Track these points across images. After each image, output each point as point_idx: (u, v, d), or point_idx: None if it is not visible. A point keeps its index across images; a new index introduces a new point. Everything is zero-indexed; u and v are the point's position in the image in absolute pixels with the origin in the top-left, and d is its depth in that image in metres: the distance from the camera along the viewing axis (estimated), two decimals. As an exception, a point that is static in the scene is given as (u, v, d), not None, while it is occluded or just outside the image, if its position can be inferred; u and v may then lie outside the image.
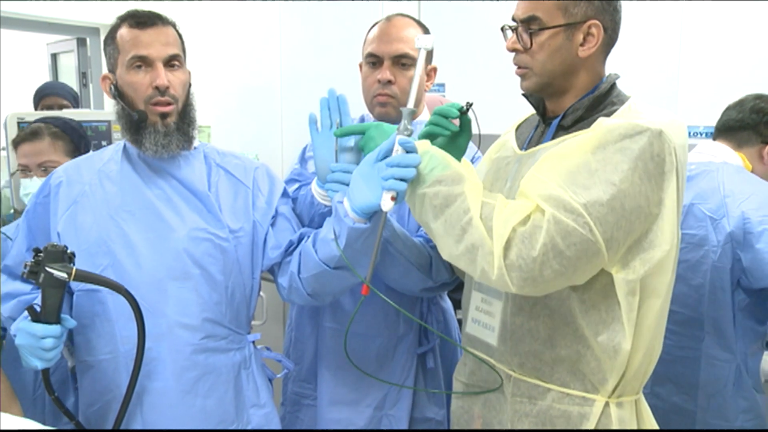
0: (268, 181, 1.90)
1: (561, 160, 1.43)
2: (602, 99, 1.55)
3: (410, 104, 1.63)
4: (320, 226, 1.86)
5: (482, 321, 1.65)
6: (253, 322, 3.11)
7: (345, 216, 1.60)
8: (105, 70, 1.80)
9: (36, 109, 3.64)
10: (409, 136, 1.59)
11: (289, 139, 4.02)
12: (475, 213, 1.41)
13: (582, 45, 1.51)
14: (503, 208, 1.41)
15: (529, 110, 1.76)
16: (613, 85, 1.57)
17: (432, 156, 1.50)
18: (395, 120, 1.99)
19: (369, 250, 1.61)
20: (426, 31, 2.06)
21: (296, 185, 2.03)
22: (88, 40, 4.83)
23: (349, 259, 1.63)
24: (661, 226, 1.42)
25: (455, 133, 1.68)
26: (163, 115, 1.73)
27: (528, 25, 1.52)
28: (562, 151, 1.44)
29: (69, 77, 5.22)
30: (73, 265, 1.54)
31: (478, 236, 1.39)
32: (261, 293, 2.96)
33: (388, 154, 1.55)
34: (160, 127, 1.73)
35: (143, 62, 1.71)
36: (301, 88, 4.00)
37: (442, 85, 3.55)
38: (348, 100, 1.81)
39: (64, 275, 1.51)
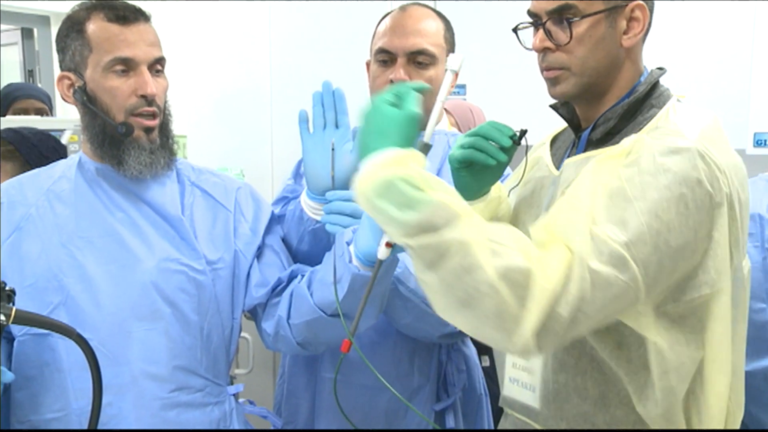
0: (253, 204, 1.90)
1: (588, 191, 1.37)
2: (639, 104, 1.53)
3: (427, 136, 1.50)
4: (311, 246, 1.88)
5: (521, 380, 1.63)
6: (236, 371, 3.09)
7: (349, 261, 1.62)
8: (57, 68, 1.78)
9: (4, 114, 3.63)
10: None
11: (281, 153, 4.02)
12: (489, 270, 1.24)
13: (626, 32, 1.50)
14: (536, 267, 1.28)
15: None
16: (654, 85, 1.55)
17: (400, 181, 1.28)
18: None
19: (375, 299, 1.62)
20: (447, 25, 2.05)
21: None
22: (35, 31, 4.81)
23: (351, 306, 1.62)
24: (705, 265, 1.38)
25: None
26: (148, 129, 1.74)
27: (560, 15, 1.49)
28: (587, 180, 1.39)
29: (12, 75, 5.18)
30: (13, 304, 1.50)
31: (495, 303, 1.25)
32: (246, 335, 2.95)
33: None
34: (144, 143, 1.74)
35: (127, 66, 1.70)
36: (296, 92, 3.96)
37: (463, 86, 3.57)
38: (348, 100, 1.80)
39: (1, 317, 1.48)
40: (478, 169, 1.64)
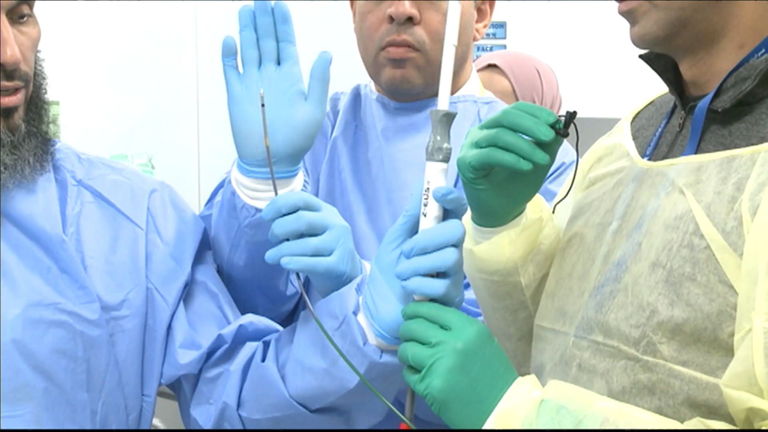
0: (176, 216, 1.95)
1: None
2: None
3: (441, 101, 1.58)
4: (251, 255, 1.93)
5: None
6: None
7: (365, 343, 1.66)
8: None
9: None
10: (446, 160, 1.57)
11: (211, 130, 4.02)
12: None
13: None
14: None
15: (656, 86, 1.77)
16: None
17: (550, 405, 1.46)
18: (420, 93, 1.98)
19: (393, 388, 1.74)
20: None
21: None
22: None
23: (353, 401, 1.73)
24: None
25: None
26: (8, 111, 1.73)
27: None
28: None
29: None
30: None
31: None
32: (158, 423, 2.94)
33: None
34: (2, 135, 1.73)
35: None
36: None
37: (502, 25, 3.57)
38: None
39: None
40: (503, 177, 1.62)
